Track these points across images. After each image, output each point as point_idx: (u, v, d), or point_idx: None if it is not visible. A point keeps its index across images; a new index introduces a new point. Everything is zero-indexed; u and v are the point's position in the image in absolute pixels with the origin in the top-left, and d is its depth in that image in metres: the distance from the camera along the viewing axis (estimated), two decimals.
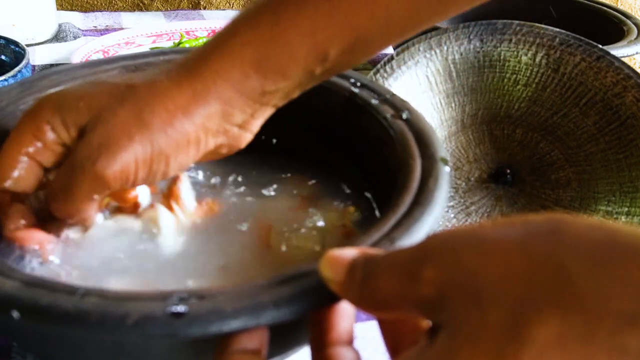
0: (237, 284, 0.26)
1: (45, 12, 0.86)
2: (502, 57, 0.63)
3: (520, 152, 0.64)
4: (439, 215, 0.31)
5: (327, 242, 0.37)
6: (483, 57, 0.63)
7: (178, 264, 0.35)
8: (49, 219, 0.34)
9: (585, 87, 0.61)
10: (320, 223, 0.38)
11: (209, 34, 0.90)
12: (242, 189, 0.41)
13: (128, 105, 0.32)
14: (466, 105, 0.65)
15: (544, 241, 0.19)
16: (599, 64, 0.60)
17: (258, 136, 0.36)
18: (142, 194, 0.37)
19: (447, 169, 0.34)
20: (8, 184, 0.32)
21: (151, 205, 0.37)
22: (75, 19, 0.96)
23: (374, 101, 0.40)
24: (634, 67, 0.60)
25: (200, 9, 1.09)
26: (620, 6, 1.09)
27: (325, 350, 0.26)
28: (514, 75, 0.63)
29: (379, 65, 0.62)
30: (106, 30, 0.93)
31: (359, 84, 0.42)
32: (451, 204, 0.62)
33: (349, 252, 0.25)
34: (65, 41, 0.88)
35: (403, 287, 0.22)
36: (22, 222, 0.33)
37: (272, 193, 0.41)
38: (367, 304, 0.23)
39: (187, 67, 0.33)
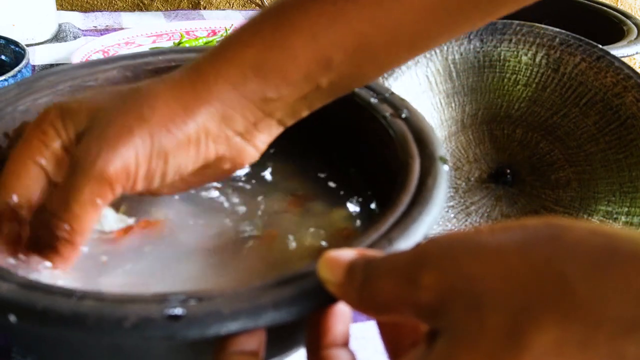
0: (235, 285, 0.26)
1: (45, 12, 0.86)
2: (502, 57, 0.63)
3: (520, 152, 0.64)
4: (437, 215, 0.31)
5: (325, 242, 0.37)
6: (483, 57, 0.63)
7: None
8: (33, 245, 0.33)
9: (585, 87, 0.61)
10: (318, 223, 0.38)
11: (209, 34, 0.90)
12: (240, 188, 0.41)
13: (129, 103, 0.32)
14: (466, 105, 0.64)
15: (543, 247, 0.19)
16: (599, 64, 0.60)
17: None
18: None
19: (446, 168, 0.34)
20: (14, 198, 0.32)
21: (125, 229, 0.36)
22: (75, 19, 0.96)
23: (373, 100, 0.40)
24: (634, 67, 0.60)
25: (200, 9, 1.09)
26: (620, 6, 1.09)
27: (321, 352, 0.26)
28: (514, 75, 0.63)
29: None
30: (106, 30, 0.93)
31: None
32: (451, 204, 0.62)
33: (347, 254, 0.25)
34: (65, 41, 0.88)
35: (402, 292, 0.22)
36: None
37: (271, 192, 0.41)
38: (366, 307, 0.23)
39: (191, 69, 0.33)
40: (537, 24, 0.63)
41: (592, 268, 0.18)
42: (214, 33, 0.90)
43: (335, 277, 0.24)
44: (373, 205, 0.40)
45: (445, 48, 0.63)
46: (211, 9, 1.10)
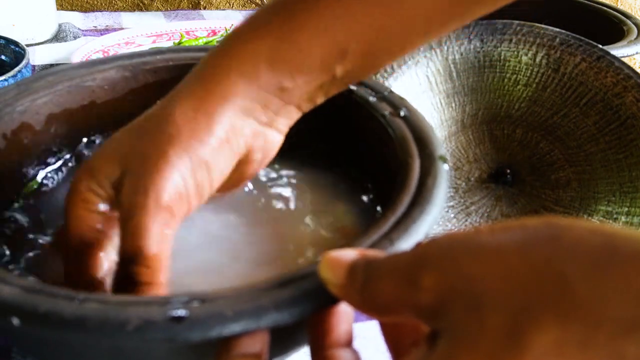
0: (237, 287, 0.26)
1: (45, 12, 0.86)
2: (502, 57, 0.63)
3: (520, 152, 0.64)
4: (438, 215, 0.31)
5: (325, 242, 0.37)
6: (483, 57, 0.63)
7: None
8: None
9: (586, 87, 0.61)
10: (318, 222, 0.38)
11: (208, 34, 0.90)
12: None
13: (151, 131, 0.31)
14: (466, 105, 0.64)
15: (542, 247, 0.19)
16: (599, 64, 0.60)
17: None
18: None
19: (446, 167, 0.34)
20: (98, 272, 0.31)
21: None
22: (75, 19, 0.96)
23: (372, 98, 0.40)
24: (634, 67, 0.60)
25: (200, 9, 1.09)
26: (620, 6, 1.09)
27: (325, 352, 0.26)
28: (514, 75, 0.63)
29: None
30: (106, 30, 0.93)
31: None
32: (451, 204, 0.62)
33: (349, 254, 0.25)
34: (65, 41, 0.88)
35: (402, 294, 0.22)
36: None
37: (270, 192, 0.41)
38: (367, 308, 0.23)
39: (200, 74, 0.33)
40: (537, 24, 0.62)
41: (592, 268, 0.18)
42: (214, 33, 0.90)
43: (337, 278, 0.24)
44: (373, 204, 0.40)
45: (446, 48, 0.62)
46: (211, 9, 1.10)
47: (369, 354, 0.40)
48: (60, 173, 0.43)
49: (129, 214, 0.30)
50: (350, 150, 0.43)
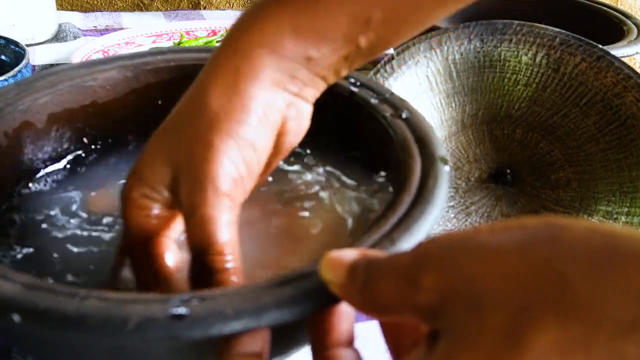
0: (238, 285, 0.26)
1: (45, 12, 0.86)
2: (502, 57, 0.63)
3: (520, 152, 0.64)
4: (438, 215, 0.31)
5: (325, 242, 0.37)
6: (483, 57, 0.63)
7: None
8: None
9: (586, 87, 0.61)
10: (318, 222, 0.38)
11: (208, 34, 0.90)
12: None
13: (188, 124, 0.31)
14: (466, 105, 0.64)
15: (543, 247, 0.19)
16: (599, 64, 0.60)
17: None
18: None
19: (446, 168, 0.34)
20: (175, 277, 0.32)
21: None
22: (75, 19, 0.96)
23: (374, 100, 0.40)
24: (634, 67, 0.60)
25: (200, 9, 1.09)
26: (620, 6, 1.09)
27: (326, 352, 0.26)
28: (514, 75, 0.63)
29: (379, 65, 0.62)
30: (106, 30, 0.93)
31: (358, 83, 0.42)
32: (451, 204, 0.62)
33: (349, 254, 0.25)
34: (65, 41, 0.88)
35: (403, 294, 0.22)
36: None
37: (270, 193, 0.41)
38: (368, 308, 0.23)
39: (222, 55, 0.32)
40: (537, 24, 0.63)
41: (592, 268, 0.18)
42: (214, 33, 0.90)
43: (338, 278, 0.24)
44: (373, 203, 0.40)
45: (446, 48, 0.63)
46: (211, 9, 1.10)
47: (369, 354, 0.40)
48: (61, 172, 0.43)
49: (192, 210, 0.30)
50: (352, 150, 0.43)
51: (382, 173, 0.41)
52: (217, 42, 0.88)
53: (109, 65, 0.44)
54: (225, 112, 0.31)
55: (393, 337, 0.27)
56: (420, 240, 0.29)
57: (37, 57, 0.82)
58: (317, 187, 0.41)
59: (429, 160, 0.34)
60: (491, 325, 0.19)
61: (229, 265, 0.30)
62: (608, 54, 0.60)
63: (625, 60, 0.64)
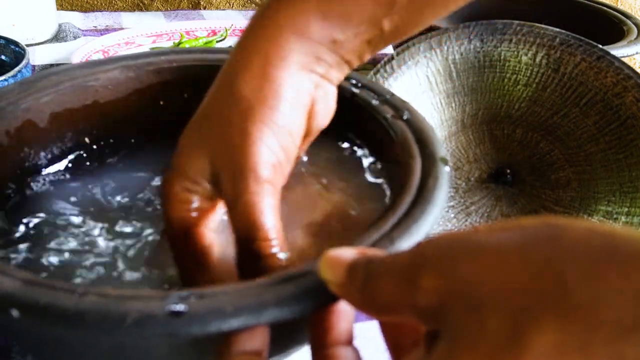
0: (238, 282, 0.26)
1: (45, 12, 0.86)
2: (502, 57, 0.63)
3: (520, 152, 0.64)
4: (438, 215, 0.31)
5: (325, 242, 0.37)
6: (483, 57, 0.63)
7: None
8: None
9: (586, 87, 0.61)
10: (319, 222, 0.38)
11: (208, 34, 0.90)
12: None
13: (222, 115, 0.32)
14: (466, 105, 0.65)
15: (542, 248, 0.19)
16: (599, 64, 0.60)
17: None
18: None
19: (446, 168, 0.34)
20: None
21: None
22: (75, 19, 0.96)
23: (375, 101, 0.41)
24: (634, 67, 0.60)
25: (200, 9, 1.09)
26: (620, 6, 1.09)
27: (326, 351, 0.26)
28: (514, 75, 0.63)
29: (379, 65, 0.62)
30: (106, 30, 0.93)
31: (359, 84, 0.42)
32: (451, 204, 0.62)
33: (349, 253, 0.25)
34: (65, 41, 0.88)
35: (402, 294, 0.22)
36: None
37: None
38: (368, 307, 0.23)
39: (248, 41, 0.33)
40: (537, 24, 0.63)
41: (592, 268, 0.18)
42: (214, 33, 0.90)
43: (337, 277, 0.24)
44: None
45: (446, 48, 0.63)
46: (211, 9, 1.10)
47: (369, 354, 0.41)
48: (62, 172, 0.43)
49: (235, 199, 0.31)
50: (352, 150, 0.43)
51: (383, 173, 0.41)
52: (217, 42, 0.88)
53: (111, 66, 0.44)
54: (258, 99, 0.31)
55: (393, 337, 0.27)
56: (420, 240, 0.29)
57: (37, 57, 0.82)
58: (317, 187, 0.41)
59: (430, 160, 0.34)
60: (491, 325, 0.19)
61: (275, 250, 0.30)
62: (608, 54, 0.60)
63: (625, 60, 0.64)
